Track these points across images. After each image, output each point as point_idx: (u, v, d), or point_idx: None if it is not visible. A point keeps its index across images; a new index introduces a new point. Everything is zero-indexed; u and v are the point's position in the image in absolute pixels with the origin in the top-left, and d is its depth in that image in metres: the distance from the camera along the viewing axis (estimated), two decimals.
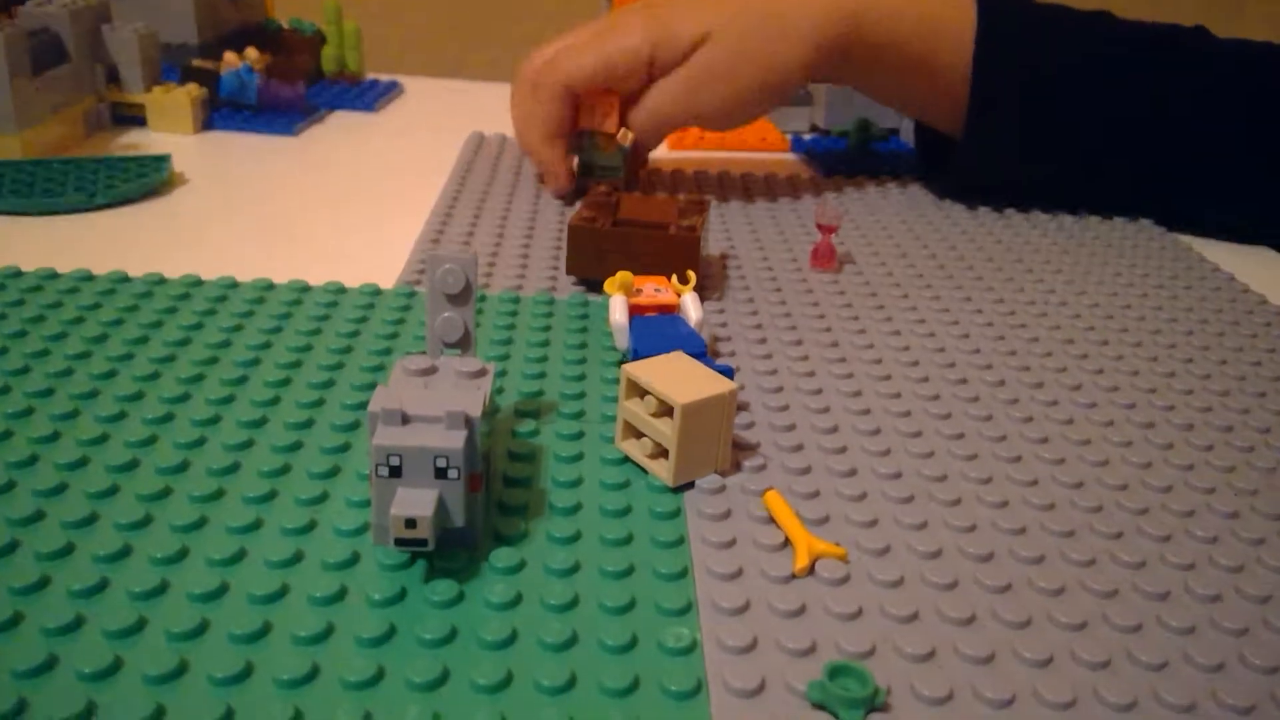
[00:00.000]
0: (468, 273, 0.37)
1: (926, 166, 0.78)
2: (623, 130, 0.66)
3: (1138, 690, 0.28)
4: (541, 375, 0.44)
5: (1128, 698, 0.28)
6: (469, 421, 0.31)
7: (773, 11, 0.65)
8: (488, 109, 0.93)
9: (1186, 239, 0.69)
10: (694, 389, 0.36)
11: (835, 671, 0.27)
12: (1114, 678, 0.29)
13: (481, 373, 0.35)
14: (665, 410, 0.36)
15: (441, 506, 0.31)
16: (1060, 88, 0.68)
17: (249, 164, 0.74)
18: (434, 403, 0.32)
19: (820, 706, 0.27)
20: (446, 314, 0.37)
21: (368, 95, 0.93)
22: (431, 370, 0.35)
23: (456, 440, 0.30)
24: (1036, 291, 0.58)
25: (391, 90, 0.97)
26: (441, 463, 0.30)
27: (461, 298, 0.37)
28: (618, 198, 0.57)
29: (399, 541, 0.30)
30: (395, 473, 0.30)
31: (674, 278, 0.47)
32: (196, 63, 0.84)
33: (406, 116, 0.91)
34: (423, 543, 0.30)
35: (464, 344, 0.37)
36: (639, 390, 0.37)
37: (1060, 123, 0.69)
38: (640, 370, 0.37)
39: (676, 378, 0.37)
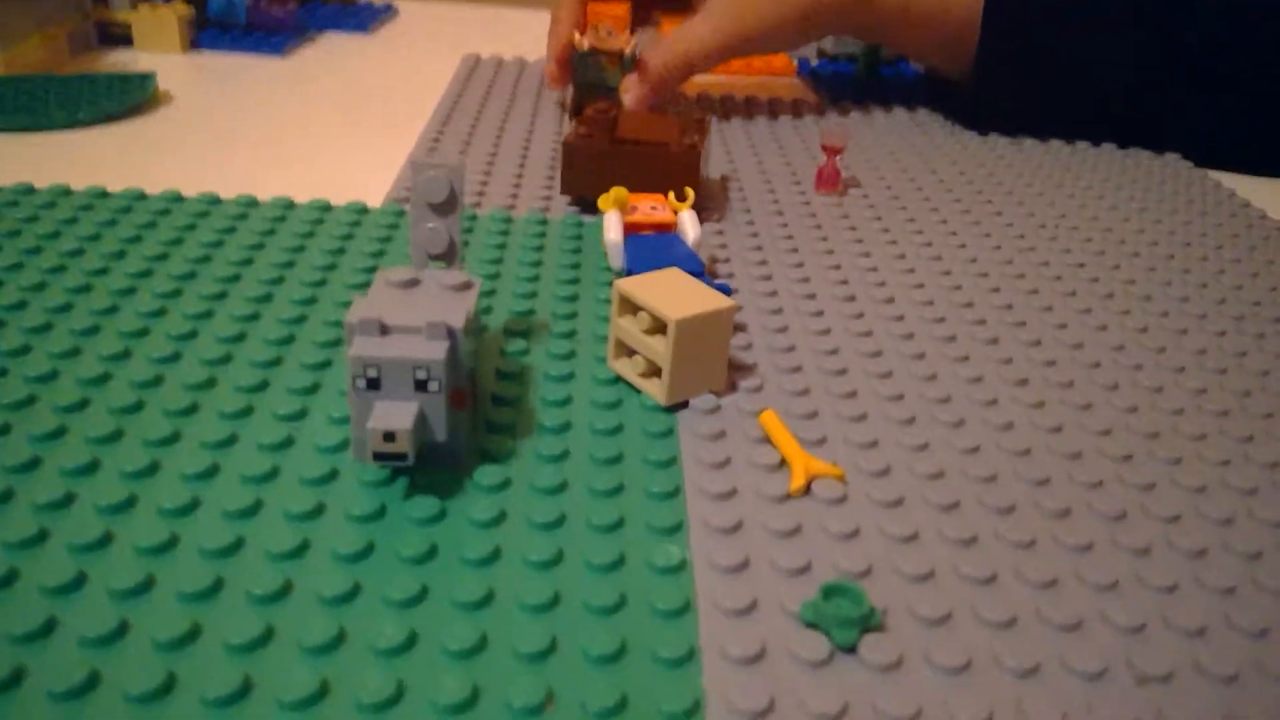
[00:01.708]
0: (453, 181, 0.35)
1: (938, 89, 0.75)
2: (625, 35, 0.63)
3: (1146, 612, 0.27)
4: (533, 295, 0.43)
5: (1136, 620, 0.27)
6: (451, 333, 0.30)
7: None
8: (483, 32, 0.90)
9: (1210, 173, 0.66)
10: (689, 304, 0.34)
11: (829, 591, 0.26)
12: (1121, 600, 0.28)
13: (467, 285, 0.33)
14: (658, 327, 0.35)
15: (422, 420, 0.29)
16: (1073, 21, 0.66)
17: (236, 83, 0.71)
18: (415, 314, 0.30)
19: (813, 626, 0.26)
20: (431, 224, 0.35)
21: (361, 16, 0.90)
22: (414, 283, 0.33)
23: (438, 351, 0.29)
24: (1049, 215, 0.56)
25: (385, 13, 0.94)
26: (422, 375, 0.29)
27: (446, 207, 0.35)
28: (616, 115, 0.55)
29: (377, 455, 0.28)
30: (373, 385, 0.29)
31: (671, 195, 0.45)
32: None
33: (400, 38, 0.88)
34: (402, 457, 0.28)
35: (449, 256, 0.36)
36: (632, 307, 0.36)
37: (1072, 56, 0.67)
38: (633, 286, 0.35)
39: (671, 293, 0.35)
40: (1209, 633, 0.27)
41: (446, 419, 0.30)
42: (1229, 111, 0.67)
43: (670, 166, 0.50)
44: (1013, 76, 0.67)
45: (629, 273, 0.41)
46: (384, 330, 0.30)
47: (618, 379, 0.37)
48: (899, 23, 0.66)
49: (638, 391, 0.36)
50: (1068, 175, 0.63)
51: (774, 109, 0.73)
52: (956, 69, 0.69)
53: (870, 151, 0.65)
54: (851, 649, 0.25)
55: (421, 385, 0.29)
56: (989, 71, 0.67)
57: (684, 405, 0.35)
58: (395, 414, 0.29)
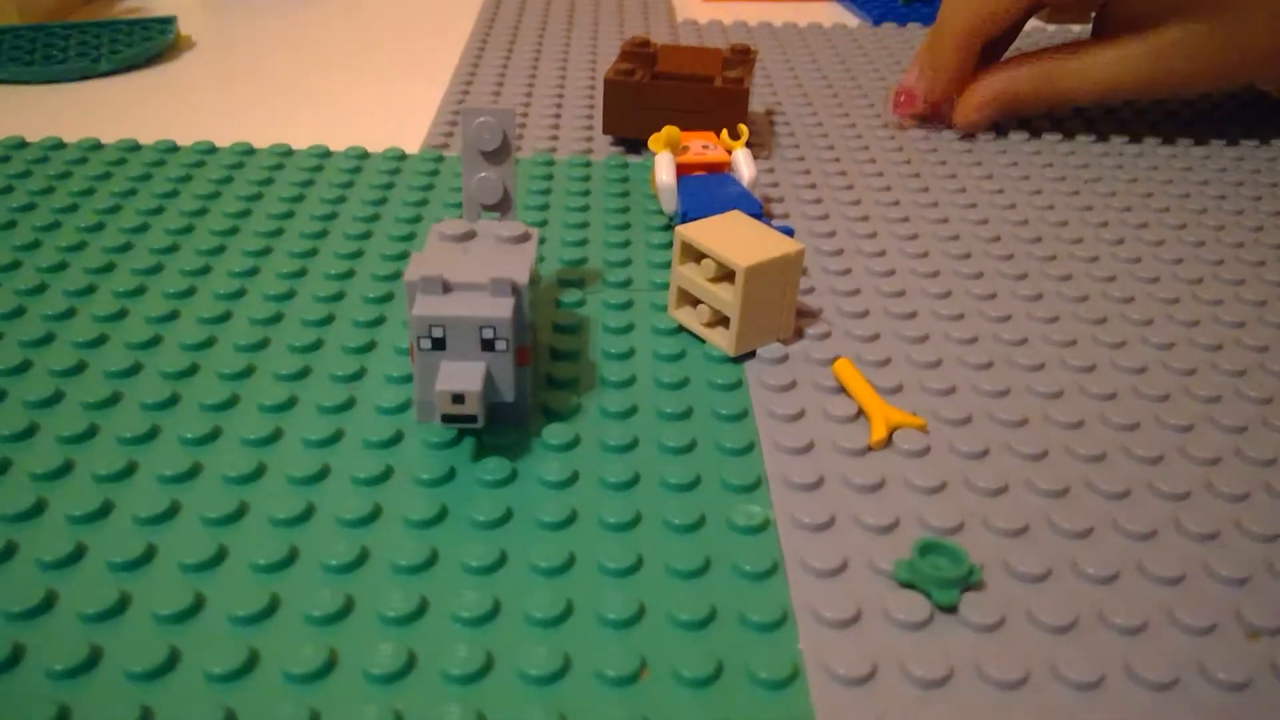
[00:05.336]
0: (505, 128, 0.33)
1: None
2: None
3: (1251, 564, 0.26)
4: (583, 242, 0.41)
5: (1240, 571, 0.26)
6: (516, 289, 0.28)
7: None
8: None
9: None
10: (756, 250, 0.33)
11: (925, 549, 0.25)
12: (1223, 550, 0.27)
13: (525, 237, 0.32)
14: (725, 274, 0.34)
15: (489, 380, 0.28)
16: None
17: (258, 24, 0.69)
18: (476, 269, 0.29)
19: (909, 586, 0.25)
20: (483, 174, 0.34)
21: None
22: (470, 235, 0.32)
23: (504, 309, 0.28)
24: (1118, 142, 0.53)
25: None
26: (489, 334, 0.28)
27: (499, 155, 0.34)
28: (656, 49, 0.53)
29: (446, 418, 0.27)
30: (438, 345, 0.28)
31: (724, 133, 0.43)
32: None
33: None
34: (472, 419, 0.27)
35: (504, 206, 0.34)
36: (695, 254, 0.34)
37: None
38: (696, 232, 0.34)
39: (736, 239, 0.34)
40: None
41: (513, 378, 0.28)
42: None
43: (716, 102, 0.48)
44: None
45: (683, 216, 0.39)
46: (446, 288, 0.28)
47: (679, 329, 0.36)
48: None
49: (701, 341, 0.35)
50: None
51: (814, 37, 0.70)
52: None
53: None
54: (952, 609, 0.24)
55: (488, 344, 0.28)
56: None
57: (751, 355, 0.34)
58: (463, 375, 0.28)
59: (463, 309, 0.28)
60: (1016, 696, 0.22)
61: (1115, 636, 0.24)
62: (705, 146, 0.43)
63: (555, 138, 0.52)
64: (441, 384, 0.27)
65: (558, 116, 0.54)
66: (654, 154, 0.42)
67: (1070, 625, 0.24)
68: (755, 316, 0.33)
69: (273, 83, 0.59)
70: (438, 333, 0.28)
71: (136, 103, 0.55)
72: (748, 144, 0.43)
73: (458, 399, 0.27)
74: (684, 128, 0.45)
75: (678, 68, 0.51)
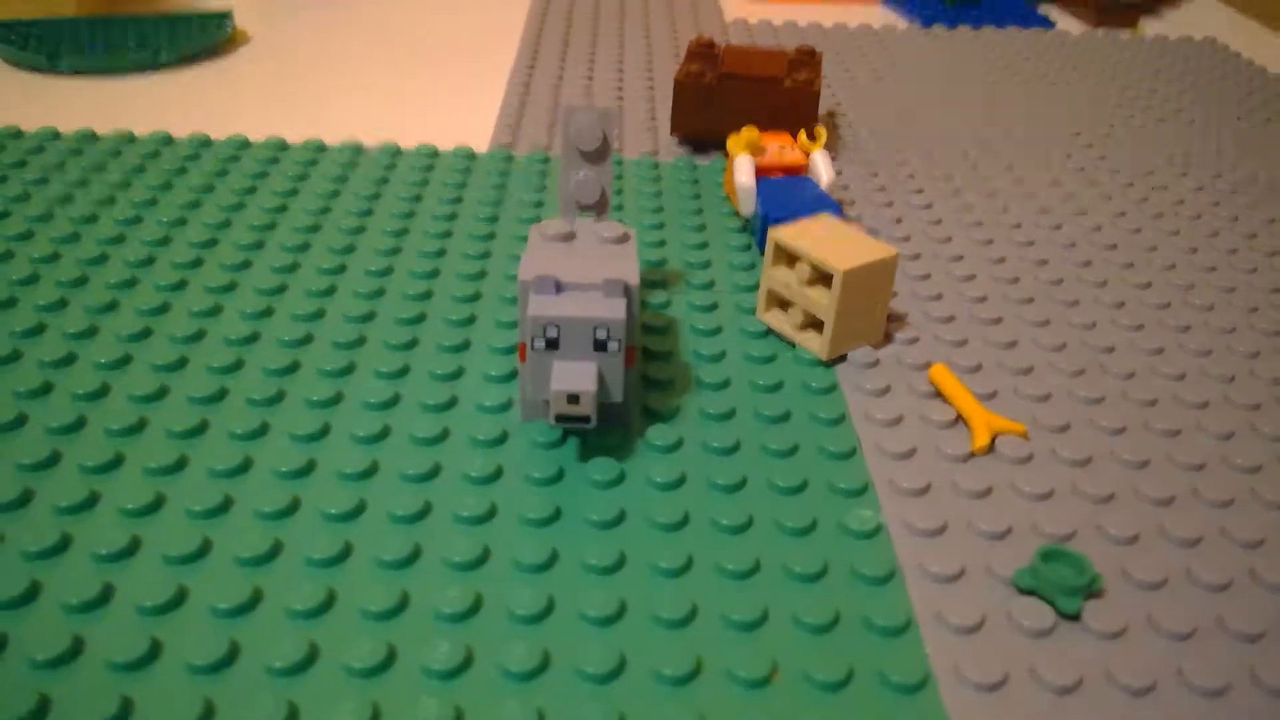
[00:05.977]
0: (606, 128, 0.33)
1: None
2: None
3: None
4: (661, 243, 0.42)
5: None
6: (629, 290, 0.29)
7: None
8: None
9: None
10: (852, 255, 0.33)
11: (1048, 556, 0.25)
12: None
13: (625, 238, 0.32)
14: (819, 278, 0.34)
15: (601, 380, 0.28)
16: None
17: (307, 18, 0.69)
18: (586, 270, 0.29)
19: (1030, 592, 0.25)
20: (582, 173, 0.34)
21: None
22: (570, 235, 0.32)
23: (618, 310, 0.28)
24: (1176, 151, 0.54)
25: None
26: (602, 334, 0.28)
27: (598, 155, 0.34)
28: (721, 50, 0.53)
29: (560, 418, 0.28)
30: (552, 345, 0.28)
31: (801, 135, 0.44)
32: None
33: None
34: (585, 419, 0.28)
35: (601, 206, 0.35)
36: (788, 257, 0.35)
37: None
38: (790, 236, 0.34)
39: (831, 243, 0.34)
40: None
41: (623, 379, 0.29)
42: None
43: (786, 103, 0.48)
44: None
45: (764, 218, 0.39)
46: (559, 288, 0.29)
47: (767, 331, 0.36)
48: None
49: (791, 344, 0.35)
50: (1195, 99, 0.60)
51: (865, 38, 0.70)
52: None
53: (971, 79, 0.62)
54: (1075, 617, 0.25)
55: (601, 345, 0.28)
56: None
57: (842, 359, 0.34)
58: (577, 375, 0.28)
59: (577, 309, 0.28)
60: (1147, 703, 0.23)
61: (1236, 643, 0.24)
62: (782, 148, 0.43)
63: (620, 137, 0.52)
64: (557, 384, 0.27)
65: (620, 116, 0.54)
66: (729, 155, 0.43)
67: (1191, 633, 0.24)
68: (849, 320, 0.34)
69: (329, 77, 0.59)
70: (552, 333, 0.28)
71: (198, 96, 0.55)
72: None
73: (573, 399, 0.27)
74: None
75: (744, 69, 0.51)
